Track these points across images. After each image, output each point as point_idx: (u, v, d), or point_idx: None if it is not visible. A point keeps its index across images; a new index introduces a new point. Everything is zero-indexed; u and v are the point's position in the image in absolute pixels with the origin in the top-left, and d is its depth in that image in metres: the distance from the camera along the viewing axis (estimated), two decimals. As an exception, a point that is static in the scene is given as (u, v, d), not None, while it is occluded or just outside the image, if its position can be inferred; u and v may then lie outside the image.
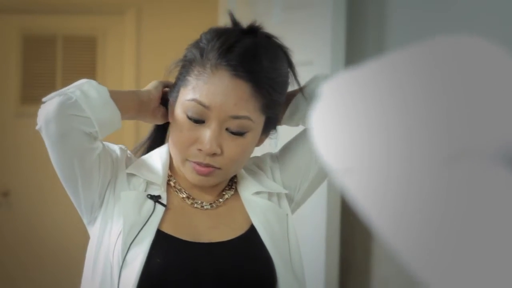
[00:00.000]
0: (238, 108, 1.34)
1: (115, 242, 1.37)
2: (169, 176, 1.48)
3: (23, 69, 4.79)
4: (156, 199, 1.41)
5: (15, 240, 4.66)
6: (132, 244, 1.36)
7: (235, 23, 1.43)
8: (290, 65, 1.46)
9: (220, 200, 1.48)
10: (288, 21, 2.74)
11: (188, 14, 4.45)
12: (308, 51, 2.61)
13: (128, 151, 1.51)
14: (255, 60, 1.35)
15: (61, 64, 4.81)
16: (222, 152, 1.37)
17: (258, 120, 1.39)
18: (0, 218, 4.69)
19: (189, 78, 1.38)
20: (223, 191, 1.50)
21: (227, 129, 1.36)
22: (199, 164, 1.38)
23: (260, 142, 1.47)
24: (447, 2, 2.28)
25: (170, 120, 1.45)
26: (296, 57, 2.73)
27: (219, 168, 1.39)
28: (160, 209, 1.41)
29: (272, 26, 2.86)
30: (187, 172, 1.41)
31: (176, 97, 1.41)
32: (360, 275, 2.60)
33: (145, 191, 1.43)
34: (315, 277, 2.53)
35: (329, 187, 2.51)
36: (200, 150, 1.37)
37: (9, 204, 4.72)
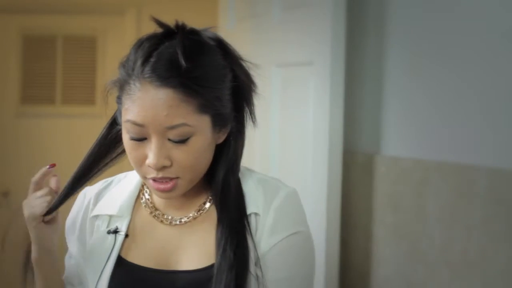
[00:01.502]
0: (170, 118, 1.30)
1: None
2: (145, 192, 1.46)
3: (23, 69, 4.79)
4: (113, 231, 1.42)
5: (15, 240, 4.66)
6: (99, 281, 1.39)
7: (161, 25, 1.37)
8: (226, 54, 1.38)
9: (190, 214, 1.41)
10: (288, 21, 2.74)
11: (188, 15, 4.44)
12: (308, 51, 2.60)
13: (94, 193, 1.49)
14: (174, 65, 1.30)
15: (61, 64, 4.81)
16: (172, 163, 1.32)
17: (199, 122, 1.32)
18: (0, 218, 4.69)
19: (123, 98, 1.35)
20: (204, 203, 1.43)
21: (169, 139, 1.32)
22: (154, 180, 1.34)
23: (219, 138, 1.39)
24: (447, 2, 2.28)
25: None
26: (296, 57, 2.74)
27: (177, 178, 1.34)
28: (120, 238, 1.41)
29: (272, 26, 2.87)
30: (152, 189, 1.38)
31: (121, 119, 1.38)
32: (360, 276, 2.60)
33: (108, 226, 1.43)
34: (315, 277, 2.52)
35: (329, 187, 2.51)
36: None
37: (9, 204, 4.72)
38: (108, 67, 4.77)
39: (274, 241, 1.36)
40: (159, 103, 1.29)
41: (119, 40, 4.72)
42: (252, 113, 1.43)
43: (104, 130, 1.46)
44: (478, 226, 2.09)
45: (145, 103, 1.30)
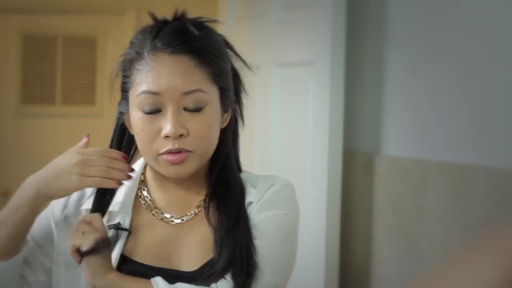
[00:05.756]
0: (187, 83, 1.32)
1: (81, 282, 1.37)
2: (143, 190, 1.44)
3: (23, 69, 4.79)
4: (116, 226, 1.39)
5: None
6: None
7: (156, 19, 1.41)
8: (225, 42, 1.43)
9: (192, 212, 1.42)
10: (288, 20, 2.74)
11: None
12: (308, 51, 2.61)
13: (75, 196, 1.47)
14: (187, 32, 1.35)
15: (61, 64, 4.82)
16: (188, 133, 1.33)
17: (212, 92, 1.35)
18: (0, 218, 4.69)
19: (132, 76, 1.36)
20: (203, 200, 1.43)
21: (184, 108, 1.33)
22: (170, 152, 1.33)
23: (224, 121, 1.41)
24: (447, 3, 2.28)
25: (131, 131, 1.41)
26: (296, 57, 2.74)
27: (191, 151, 1.34)
28: (123, 234, 1.39)
29: (272, 25, 2.87)
30: (162, 168, 1.36)
31: (127, 104, 1.38)
32: (360, 276, 2.60)
33: (107, 222, 1.40)
34: (315, 278, 2.52)
35: (329, 187, 2.51)
36: (167, 137, 1.32)
37: (9, 204, 4.72)
38: (108, 67, 4.75)
39: (263, 216, 1.38)
40: (174, 68, 1.32)
41: (119, 40, 4.72)
42: (241, 110, 1.47)
43: (116, 134, 1.44)
44: (478, 226, 2.09)
45: (160, 71, 1.32)
